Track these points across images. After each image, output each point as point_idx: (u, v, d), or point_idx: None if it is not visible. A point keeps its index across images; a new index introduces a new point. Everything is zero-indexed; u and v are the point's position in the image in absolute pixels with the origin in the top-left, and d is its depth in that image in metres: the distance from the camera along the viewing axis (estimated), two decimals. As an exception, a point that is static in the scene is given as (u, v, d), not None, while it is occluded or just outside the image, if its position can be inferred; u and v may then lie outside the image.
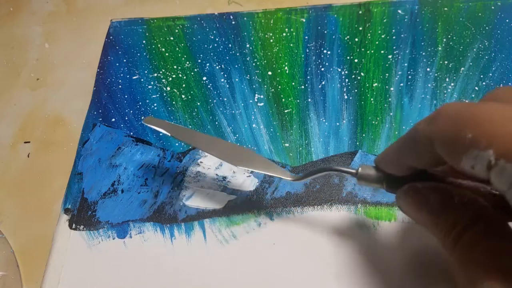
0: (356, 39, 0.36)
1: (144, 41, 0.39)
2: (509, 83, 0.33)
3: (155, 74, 0.37)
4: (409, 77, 0.34)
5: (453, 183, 0.21)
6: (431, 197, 0.20)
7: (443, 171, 0.22)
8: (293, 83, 0.35)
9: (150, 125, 0.29)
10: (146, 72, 0.37)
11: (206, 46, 0.38)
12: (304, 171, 0.31)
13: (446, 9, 0.37)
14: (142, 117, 0.34)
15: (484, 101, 0.19)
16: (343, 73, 0.35)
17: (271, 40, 0.38)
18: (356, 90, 0.34)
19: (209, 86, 0.36)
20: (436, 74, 0.34)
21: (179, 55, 0.38)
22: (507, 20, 0.36)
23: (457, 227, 0.18)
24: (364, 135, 0.32)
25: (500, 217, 0.18)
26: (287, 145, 0.32)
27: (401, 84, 0.34)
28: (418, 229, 0.27)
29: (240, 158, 0.27)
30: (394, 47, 0.36)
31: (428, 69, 0.34)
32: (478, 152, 0.15)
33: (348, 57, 0.36)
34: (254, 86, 0.35)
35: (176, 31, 0.39)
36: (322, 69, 0.35)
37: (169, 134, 0.28)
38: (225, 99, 0.35)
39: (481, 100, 0.20)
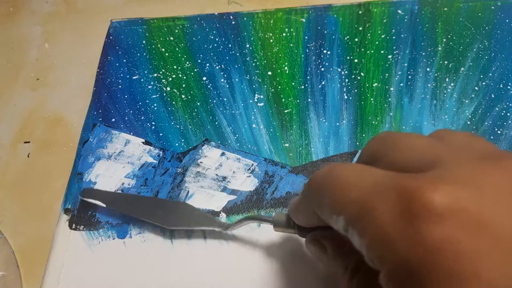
0: (356, 39, 0.36)
1: (144, 41, 0.39)
2: (509, 83, 0.33)
3: (155, 74, 0.37)
4: (409, 77, 0.34)
5: None
6: (327, 245, 0.22)
7: None
8: (293, 83, 0.35)
9: (86, 199, 0.30)
10: (146, 72, 0.37)
11: (206, 46, 0.38)
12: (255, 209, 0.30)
13: (446, 9, 0.37)
14: (80, 192, 0.31)
15: (362, 156, 0.20)
16: (343, 73, 0.35)
17: (271, 40, 0.38)
18: (356, 90, 0.34)
19: (209, 86, 0.36)
20: (436, 74, 0.34)
21: (179, 55, 0.38)
22: (507, 20, 0.36)
23: (347, 272, 0.20)
24: (364, 135, 0.32)
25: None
26: (287, 145, 0.32)
27: (401, 84, 0.34)
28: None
29: (173, 218, 0.28)
30: (394, 47, 0.36)
31: (428, 69, 0.34)
32: (336, 217, 0.17)
33: (348, 57, 0.36)
34: (254, 86, 0.35)
35: (176, 31, 0.39)
36: (322, 69, 0.36)
37: (104, 205, 0.30)
38: (225, 99, 0.35)
39: (361, 153, 0.21)
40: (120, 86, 0.37)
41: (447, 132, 0.19)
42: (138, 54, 0.38)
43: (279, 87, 0.35)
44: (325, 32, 0.37)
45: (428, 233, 0.13)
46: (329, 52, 0.36)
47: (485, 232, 0.13)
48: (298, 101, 0.34)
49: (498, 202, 0.14)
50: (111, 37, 0.40)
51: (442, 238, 0.13)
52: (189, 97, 0.36)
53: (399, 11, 0.37)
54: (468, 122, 0.32)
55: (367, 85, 0.34)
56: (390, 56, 0.35)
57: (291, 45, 0.37)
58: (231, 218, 0.30)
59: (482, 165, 0.15)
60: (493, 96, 0.32)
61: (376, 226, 0.15)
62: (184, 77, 0.37)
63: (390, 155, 0.18)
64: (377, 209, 0.15)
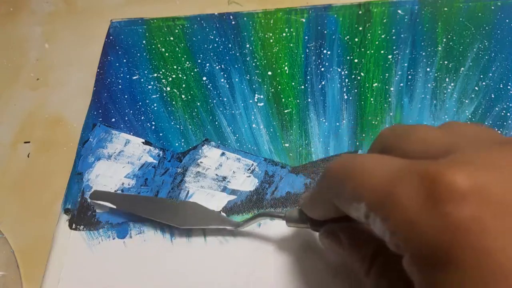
0: (356, 39, 0.36)
1: (144, 41, 0.39)
2: (509, 83, 0.33)
3: (155, 74, 0.37)
4: (409, 77, 0.34)
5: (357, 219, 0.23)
6: (342, 237, 0.22)
7: None
8: (293, 83, 0.35)
9: (95, 200, 0.30)
10: (146, 72, 0.37)
11: (206, 46, 0.38)
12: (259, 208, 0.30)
13: (446, 9, 0.37)
14: (89, 193, 0.31)
15: (373, 148, 0.21)
16: (343, 73, 0.35)
17: (271, 40, 0.38)
18: (356, 90, 0.34)
19: (209, 86, 0.36)
20: (436, 74, 0.34)
21: (179, 55, 0.38)
22: (507, 20, 0.36)
23: (365, 261, 0.20)
24: (364, 135, 0.32)
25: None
26: (287, 145, 0.32)
27: (401, 84, 0.34)
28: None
29: (184, 218, 0.29)
30: (394, 47, 0.36)
31: (428, 69, 0.34)
32: (357, 205, 0.17)
33: (348, 57, 0.36)
34: (254, 86, 0.35)
35: (176, 31, 0.39)
36: (322, 69, 0.36)
37: (115, 207, 0.30)
38: (225, 99, 0.35)
39: (371, 146, 0.21)
40: (120, 86, 0.37)
41: (457, 123, 0.19)
42: (138, 54, 0.38)
43: (279, 87, 0.35)
44: (325, 32, 0.37)
45: (453, 213, 0.14)
46: (329, 52, 0.36)
47: (508, 210, 0.13)
48: (298, 101, 0.34)
49: None
50: (111, 37, 0.40)
51: (467, 217, 0.13)
52: (189, 97, 0.36)
53: (399, 11, 0.37)
54: (468, 122, 0.32)
55: (367, 85, 0.34)
56: (390, 56, 0.35)
57: (291, 45, 0.37)
58: (233, 218, 0.30)
59: (499, 148, 0.16)
60: (493, 96, 0.32)
61: (400, 211, 0.15)
62: (184, 77, 0.37)
63: (403, 147, 0.18)
64: (400, 193, 0.15)
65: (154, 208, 0.29)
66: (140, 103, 0.36)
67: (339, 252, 0.23)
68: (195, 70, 0.37)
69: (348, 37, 0.37)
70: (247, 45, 0.38)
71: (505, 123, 0.31)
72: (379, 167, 0.16)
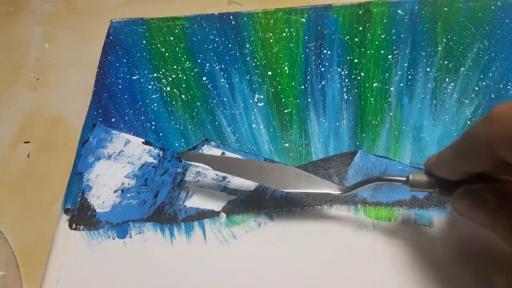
0: (356, 39, 0.36)
1: (144, 41, 0.39)
2: (509, 83, 0.33)
3: (155, 74, 0.37)
4: (409, 77, 0.34)
5: (505, 180, 0.21)
6: (488, 197, 0.20)
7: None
8: (293, 83, 0.35)
9: (190, 161, 0.29)
10: (146, 72, 0.37)
11: (206, 46, 0.38)
12: (352, 183, 0.28)
13: (446, 9, 0.37)
14: (180, 152, 0.31)
15: None
16: (343, 73, 0.35)
17: (271, 40, 0.38)
18: (356, 90, 0.34)
19: (209, 86, 0.36)
20: (436, 74, 0.34)
21: (179, 55, 0.38)
22: (507, 20, 0.36)
23: None
24: (364, 135, 0.32)
25: None
26: (287, 145, 0.32)
27: (401, 84, 0.34)
28: (417, 229, 0.27)
29: (285, 180, 0.27)
30: (394, 47, 0.36)
31: (428, 69, 0.34)
32: None
33: (348, 57, 0.36)
34: (254, 86, 0.35)
35: (176, 31, 0.39)
36: (322, 69, 0.36)
37: (211, 168, 0.28)
38: (225, 99, 0.35)
39: None
40: (120, 86, 0.37)
41: None
42: (138, 54, 0.38)
43: (279, 87, 0.35)
44: (325, 32, 0.37)
45: None
46: (329, 52, 0.36)
47: None
48: (298, 101, 0.34)
49: None
50: (111, 37, 0.40)
51: None
52: (189, 97, 0.36)
53: (399, 11, 0.37)
54: (468, 122, 0.32)
55: (367, 85, 0.34)
56: (390, 56, 0.35)
57: (291, 45, 0.37)
58: (233, 218, 0.29)
59: None
60: (493, 96, 0.32)
61: None
62: (184, 77, 0.37)
63: None
64: None
65: (252, 170, 0.27)
66: (140, 103, 0.36)
67: (478, 216, 0.21)
68: (195, 70, 0.37)
69: (348, 37, 0.37)
70: (247, 45, 0.38)
71: (505, 123, 0.31)
72: None
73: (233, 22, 0.39)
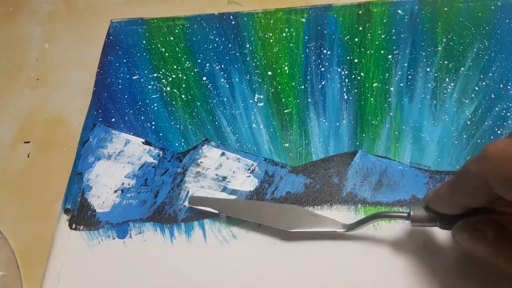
0: (356, 39, 0.36)
1: (144, 41, 0.39)
2: (509, 83, 0.33)
3: (155, 74, 0.37)
4: (409, 77, 0.34)
5: (502, 212, 0.22)
6: (487, 230, 0.21)
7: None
8: (293, 83, 0.35)
9: (195, 206, 0.29)
10: (146, 72, 0.37)
11: (206, 46, 0.38)
12: (354, 221, 0.28)
13: (446, 9, 0.37)
14: (187, 202, 0.30)
15: None
16: (343, 73, 0.35)
17: (271, 40, 0.38)
18: (356, 90, 0.34)
19: (209, 86, 0.36)
20: (436, 74, 0.34)
21: (179, 55, 0.38)
22: (507, 20, 0.36)
23: None
24: (364, 135, 0.32)
25: None
26: (287, 145, 0.32)
27: (401, 84, 0.34)
28: (417, 229, 0.27)
29: (290, 220, 0.27)
30: (394, 47, 0.36)
31: (428, 69, 0.34)
32: None
33: (348, 57, 0.36)
34: (254, 86, 0.35)
35: (176, 31, 0.39)
36: (322, 69, 0.36)
37: (217, 212, 0.29)
38: (225, 99, 0.35)
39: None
40: (120, 86, 0.37)
41: None
42: (138, 54, 0.38)
43: (279, 87, 0.35)
44: (325, 32, 0.37)
45: None
46: (329, 52, 0.36)
47: None
48: (298, 101, 0.34)
49: None
50: (111, 37, 0.40)
51: None
52: (189, 97, 0.36)
53: (399, 11, 0.37)
54: (468, 122, 0.32)
55: (367, 85, 0.34)
56: (390, 56, 0.35)
57: (291, 45, 0.37)
58: (233, 218, 0.29)
59: None
60: (493, 96, 0.32)
61: None
62: (184, 77, 0.37)
63: None
64: None
65: (259, 212, 0.28)
66: (140, 103, 0.36)
67: (478, 248, 0.22)
68: (195, 70, 0.37)
69: (348, 37, 0.37)
70: (247, 45, 0.38)
71: (505, 123, 0.31)
72: None
73: (233, 22, 0.39)
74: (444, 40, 0.35)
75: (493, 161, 0.18)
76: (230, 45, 0.38)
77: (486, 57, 0.34)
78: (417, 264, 0.26)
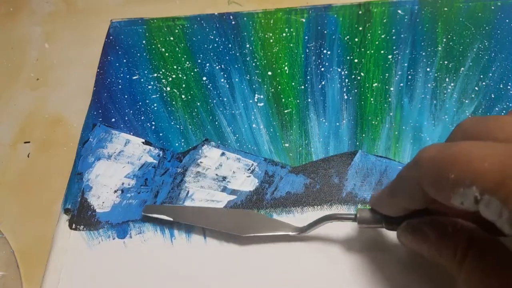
0: (356, 39, 0.36)
1: (144, 41, 0.39)
2: (509, 83, 0.33)
3: (155, 74, 0.37)
4: (409, 77, 0.34)
5: (445, 213, 0.23)
6: (428, 231, 0.22)
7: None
8: (293, 83, 0.35)
9: (150, 214, 0.30)
10: (146, 72, 0.37)
11: (206, 46, 0.38)
12: (308, 223, 0.28)
13: (446, 9, 0.37)
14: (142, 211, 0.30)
15: (454, 139, 0.21)
16: (343, 73, 0.35)
17: (271, 40, 0.38)
18: (356, 90, 0.34)
19: (209, 86, 0.36)
20: (436, 74, 0.34)
21: (179, 55, 0.38)
22: (507, 20, 0.36)
23: (457, 254, 0.20)
24: (364, 135, 0.32)
25: (489, 236, 0.20)
26: (287, 145, 0.32)
27: (401, 84, 0.34)
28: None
29: (246, 225, 0.28)
30: (394, 47, 0.36)
31: (428, 69, 0.34)
32: (463, 190, 0.17)
33: (348, 57, 0.36)
34: (254, 86, 0.35)
35: (176, 31, 0.39)
36: (322, 69, 0.36)
37: (171, 219, 0.29)
38: (225, 99, 0.35)
39: (451, 137, 0.21)
40: (120, 86, 0.37)
41: None
42: (138, 54, 0.38)
43: (279, 87, 0.35)
44: (325, 32, 0.37)
45: None
46: (329, 52, 0.36)
47: None
48: (298, 101, 0.34)
49: None
50: (111, 37, 0.40)
51: None
52: (189, 97, 0.36)
53: (399, 11, 0.37)
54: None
55: (367, 85, 0.34)
56: (390, 56, 0.35)
57: (291, 45, 0.37)
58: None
59: None
60: (493, 96, 0.32)
61: None
62: (184, 77, 0.37)
63: (495, 133, 0.19)
64: None
65: (213, 218, 0.29)
66: (140, 103, 0.36)
67: (422, 248, 0.22)
68: (195, 70, 0.37)
69: (348, 37, 0.37)
70: (247, 45, 0.38)
71: (505, 123, 0.31)
72: (487, 151, 0.17)
73: (233, 22, 0.39)
74: (444, 40, 0.35)
75: (424, 166, 0.19)
76: (230, 45, 0.38)
77: (486, 57, 0.34)
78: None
